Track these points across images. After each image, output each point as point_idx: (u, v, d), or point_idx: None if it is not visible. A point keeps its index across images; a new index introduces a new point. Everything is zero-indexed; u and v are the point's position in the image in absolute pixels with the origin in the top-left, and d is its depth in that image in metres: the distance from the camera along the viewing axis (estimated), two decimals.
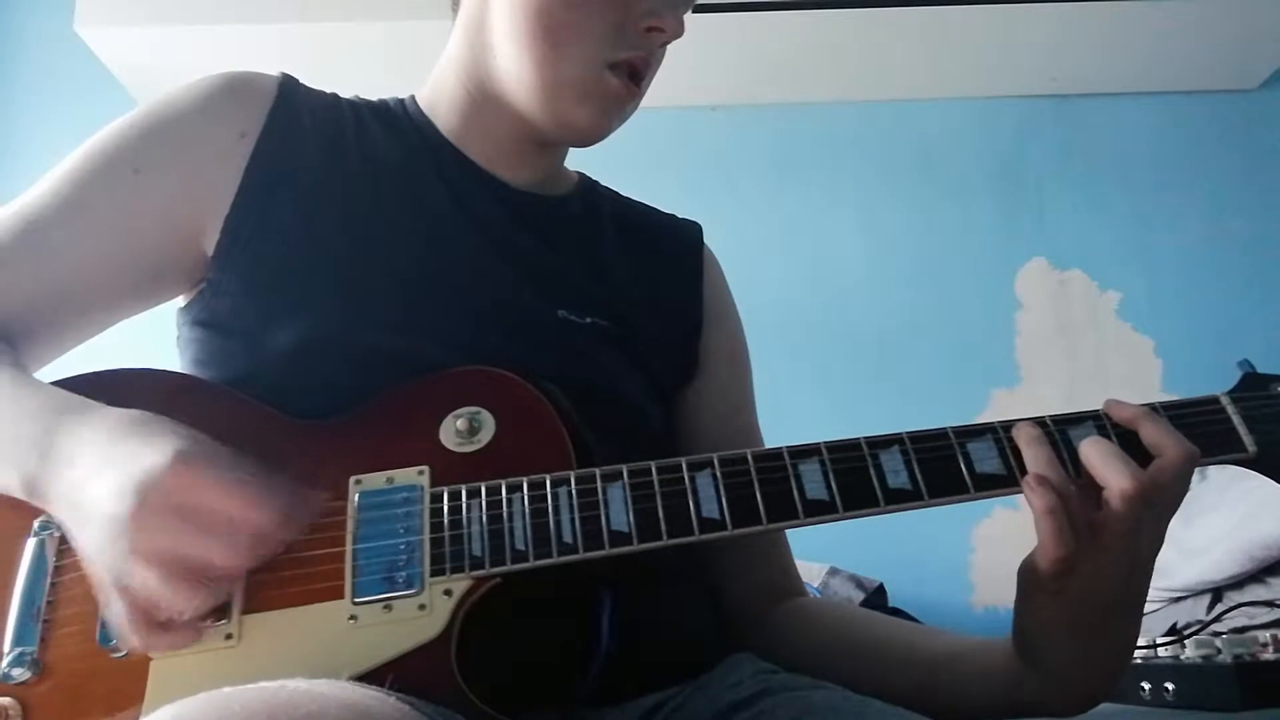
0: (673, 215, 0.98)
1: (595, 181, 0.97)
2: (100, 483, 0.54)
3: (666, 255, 0.93)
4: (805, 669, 0.74)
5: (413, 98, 0.89)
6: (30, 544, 0.61)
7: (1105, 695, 0.67)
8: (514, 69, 0.80)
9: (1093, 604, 0.62)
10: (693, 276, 0.93)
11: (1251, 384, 0.68)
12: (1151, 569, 0.63)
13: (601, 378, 0.78)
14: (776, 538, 0.89)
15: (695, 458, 0.63)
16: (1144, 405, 0.65)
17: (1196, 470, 1.65)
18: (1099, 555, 0.60)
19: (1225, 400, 0.67)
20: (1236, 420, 0.66)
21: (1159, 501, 0.60)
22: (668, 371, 0.86)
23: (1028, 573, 0.64)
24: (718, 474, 0.62)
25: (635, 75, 0.79)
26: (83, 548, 0.56)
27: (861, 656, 0.77)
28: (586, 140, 0.82)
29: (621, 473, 0.62)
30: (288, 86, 0.82)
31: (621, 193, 0.98)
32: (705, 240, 0.97)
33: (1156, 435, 0.62)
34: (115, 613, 0.54)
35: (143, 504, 0.52)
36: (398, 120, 0.86)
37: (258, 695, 0.42)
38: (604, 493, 0.61)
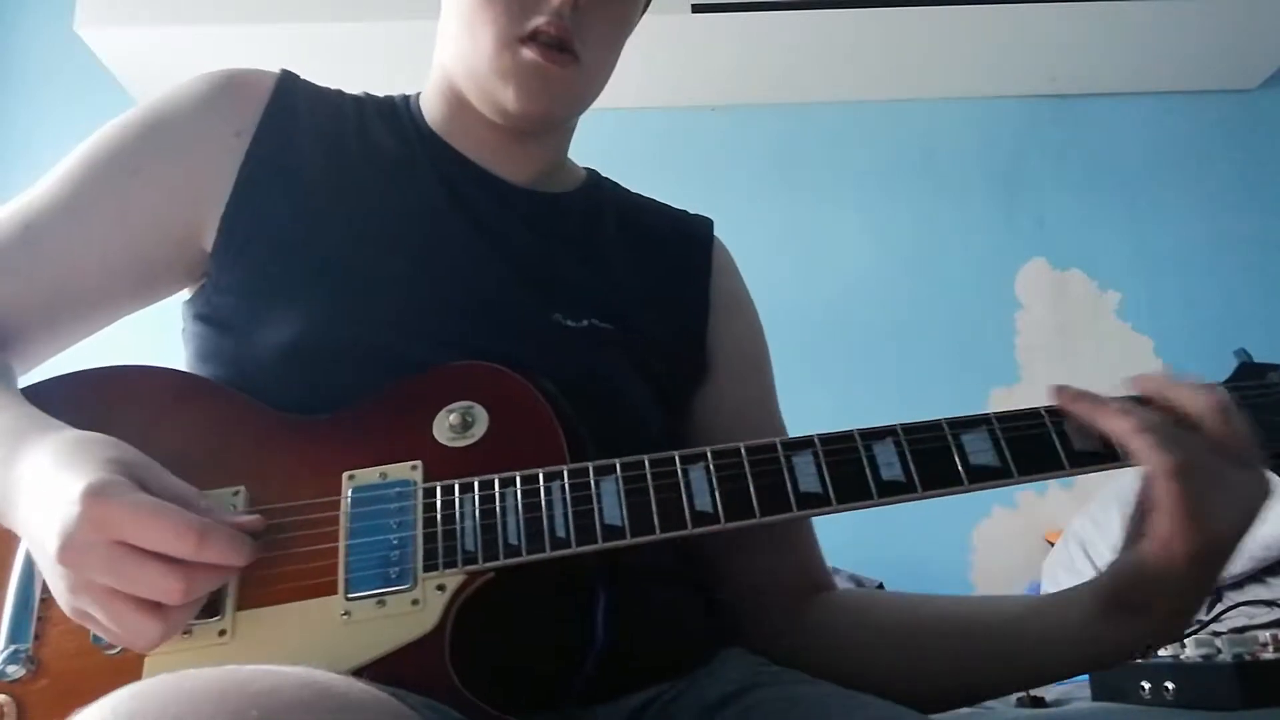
0: (683, 211, 0.96)
1: (603, 178, 0.95)
2: (37, 522, 0.54)
3: (672, 252, 0.91)
4: (858, 664, 0.72)
5: (417, 95, 0.89)
6: (24, 542, 0.61)
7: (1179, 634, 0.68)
8: (451, 60, 0.81)
9: (1218, 549, 0.61)
10: (699, 273, 0.91)
11: (1248, 373, 0.68)
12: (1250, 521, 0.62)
13: (598, 381, 0.77)
14: (804, 528, 0.87)
15: (688, 451, 0.63)
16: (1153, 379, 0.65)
17: None
18: (1220, 489, 0.60)
19: (1222, 390, 0.66)
20: None
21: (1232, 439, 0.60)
22: (671, 372, 0.85)
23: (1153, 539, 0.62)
24: (710, 467, 0.62)
25: (561, 45, 0.75)
26: (48, 583, 0.56)
27: (923, 638, 0.75)
28: (529, 122, 0.80)
29: (614, 466, 0.61)
30: (285, 82, 0.82)
31: (631, 189, 0.96)
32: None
33: (1189, 394, 0.62)
34: (99, 633, 0.55)
35: (67, 543, 0.51)
36: (399, 116, 0.86)
37: (212, 673, 0.41)
38: (597, 486, 0.61)
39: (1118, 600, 0.66)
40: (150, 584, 0.52)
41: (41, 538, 0.53)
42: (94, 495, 0.51)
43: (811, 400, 2.12)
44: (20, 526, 0.57)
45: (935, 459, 0.62)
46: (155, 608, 0.52)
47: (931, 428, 0.64)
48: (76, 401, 0.64)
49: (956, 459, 0.62)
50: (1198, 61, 2.25)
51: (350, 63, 2.10)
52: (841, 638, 0.78)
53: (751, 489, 0.61)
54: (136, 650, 0.56)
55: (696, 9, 2.01)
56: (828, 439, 0.63)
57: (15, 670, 0.57)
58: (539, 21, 0.74)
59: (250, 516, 0.58)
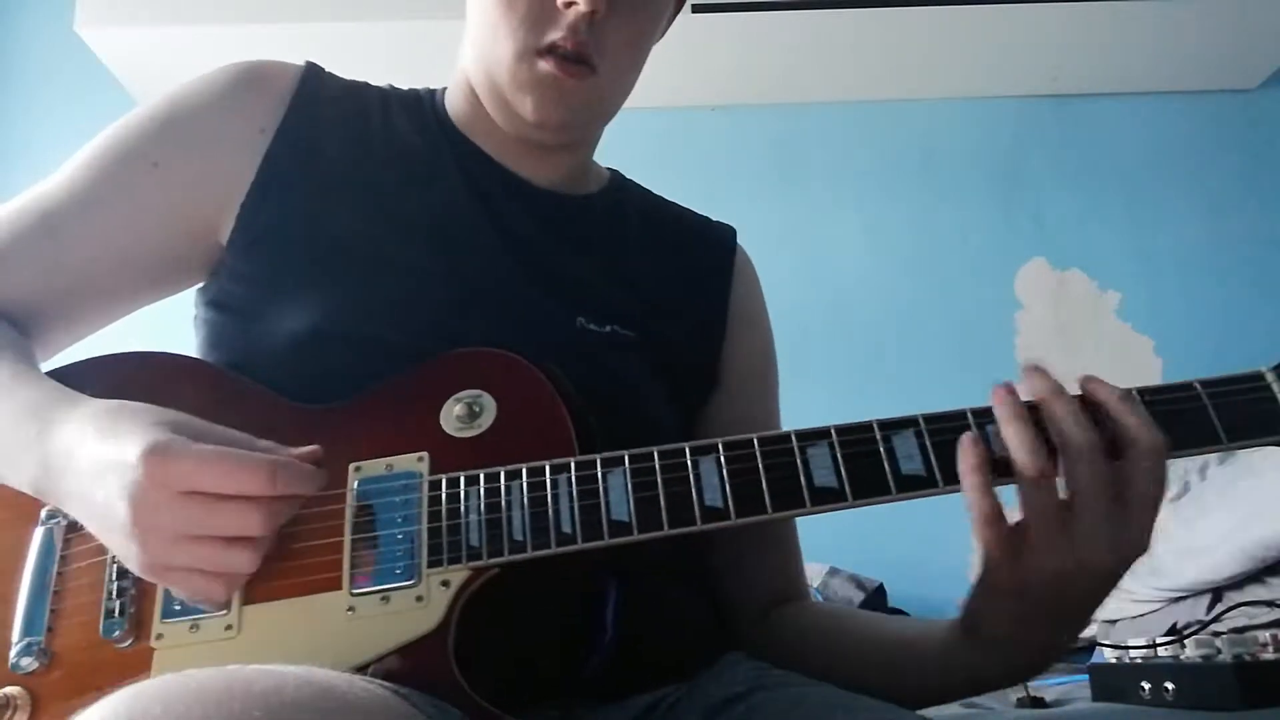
0: (706, 218, 0.95)
1: (627, 180, 0.94)
2: (102, 487, 0.54)
3: (694, 259, 0.90)
4: (816, 670, 0.72)
5: (443, 90, 0.88)
6: (39, 533, 0.61)
7: (1050, 664, 0.66)
8: (473, 65, 0.80)
9: (1060, 602, 0.60)
10: (720, 282, 0.90)
11: None
12: (1121, 572, 0.58)
13: (620, 388, 0.76)
14: (783, 536, 0.87)
15: (699, 442, 0.61)
16: (1129, 389, 0.60)
17: (1197, 470, 1.62)
18: (1068, 552, 0.57)
19: (1271, 376, 0.61)
20: None
21: (1130, 494, 0.57)
22: (689, 379, 0.84)
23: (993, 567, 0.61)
24: (722, 459, 0.60)
25: (579, 58, 0.75)
26: (114, 550, 0.57)
27: (841, 655, 0.76)
28: (544, 133, 0.79)
29: (623, 459, 0.60)
30: (310, 76, 0.82)
31: (655, 192, 0.95)
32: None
33: (1132, 421, 0.58)
34: (177, 591, 0.57)
35: (139, 504, 0.52)
36: (424, 111, 0.85)
37: (215, 673, 0.42)
38: (604, 480, 0.59)
39: (964, 626, 0.66)
40: (230, 523, 0.54)
41: (107, 508, 0.54)
42: (155, 454, 0.53)
43: (811, 401, 2.10)
44: (65, 500, 0.58)
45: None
46: (240, 540, 0.55)
47: (956, 417, 0.60)
48: (89, 384, 0.64)
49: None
50: (1198, 61, 2.25)
51: (351, 63, 2.07)
52: (790, 644, 0.79)
53: (764, 483, 0.59)
54: (235, 581, 0.57)
55: (696, 9, 2.01)
56: (844, 429, 0.60)
57: (30, 663, 0.58)
58: (556, 35, 0.74)
59: (309, 448, 0.60)
